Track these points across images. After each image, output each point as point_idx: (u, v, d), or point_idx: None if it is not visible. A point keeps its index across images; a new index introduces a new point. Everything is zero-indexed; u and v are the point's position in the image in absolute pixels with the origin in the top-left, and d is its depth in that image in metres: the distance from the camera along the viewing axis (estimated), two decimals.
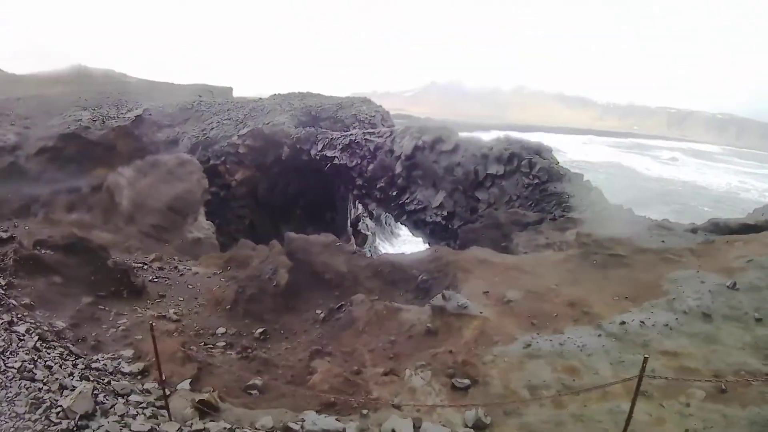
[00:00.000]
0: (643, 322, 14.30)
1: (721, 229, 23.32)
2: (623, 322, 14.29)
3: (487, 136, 31.05)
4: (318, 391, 12.58)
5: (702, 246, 20.26)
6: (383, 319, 16.71)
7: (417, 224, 31.58)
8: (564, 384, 11.79)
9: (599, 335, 13.86)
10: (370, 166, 33.30)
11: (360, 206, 44.39)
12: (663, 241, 20.69)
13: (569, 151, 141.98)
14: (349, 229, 44.92)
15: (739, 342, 13.26)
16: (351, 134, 35.77)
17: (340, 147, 35.56)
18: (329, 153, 36.27)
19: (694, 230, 22.53)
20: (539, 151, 27.83)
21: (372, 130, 35.59)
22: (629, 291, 16.57)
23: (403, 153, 31.20)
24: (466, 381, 12.15)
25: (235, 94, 63.08)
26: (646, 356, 8.84)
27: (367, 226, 47.65)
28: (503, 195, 26.93)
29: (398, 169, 31.31)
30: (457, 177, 28.75)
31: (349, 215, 44.30)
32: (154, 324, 10.33)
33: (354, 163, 34.53)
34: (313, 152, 37.64)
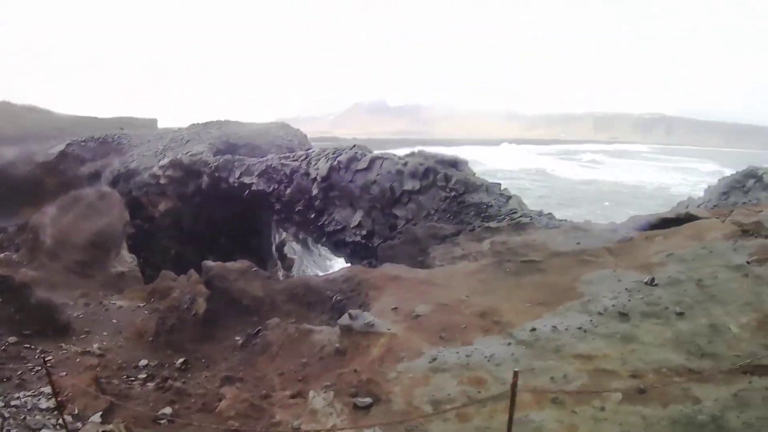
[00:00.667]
0: (555, 326, 13.84)
1: (641, 225, 23.38)
2: (534, 329, 13.83)
3: (406, 153, 30.99)
4: (224, 418, 12.71)
5: (620, 244, 20.13)
6: (295, 342, 16.62)
7: (337, 245, 31.12)
8: (469, 396, 11.23)
9: (509, 344, 13.36)
10: (288, 190, 32.79)
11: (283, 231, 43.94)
12: (578, 243, 20.37)
13: (495, 162, 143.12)
14: (275, 254, 44.30)
15: (659, 339, 12.95)
16: (267, 159, 35.25)
17: (257, 173, 35.00)
18: (247, 180, 35.69)
19: (613, 229, 22.43)
20: (455, 163, 27.64)
21: (288, 155, 35.14)
22: (543, 296, 16.21)
23: (318, 175, 30.76)
24: (368, 400, 11.71)
25: (162, 125, 62.60)
26: (517, 370, 8.68)
27: (293, 249, 47.15)
28: (421, 210, 26.61)
29: (315, 191, 30.84)
30: (373, 195, 28.36)
31: (273, 240, 43.71)
32: (63, 360, 10.56)
33: (271, 188, 33.99)
34: (231, 180, 37.03)
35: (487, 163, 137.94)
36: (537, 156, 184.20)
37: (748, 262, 16.31)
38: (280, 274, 41.14)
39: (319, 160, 31.29)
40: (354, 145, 31.49)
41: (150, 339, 18.92)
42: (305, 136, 43.27)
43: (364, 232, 28.69)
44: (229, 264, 23.05)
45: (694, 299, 14.65)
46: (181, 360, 17.38)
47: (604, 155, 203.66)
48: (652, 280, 15.86)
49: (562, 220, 25.79)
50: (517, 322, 14.57)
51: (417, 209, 26.82)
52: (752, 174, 27.84)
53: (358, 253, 29.32)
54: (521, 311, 15.37)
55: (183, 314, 19.89)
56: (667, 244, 19.13)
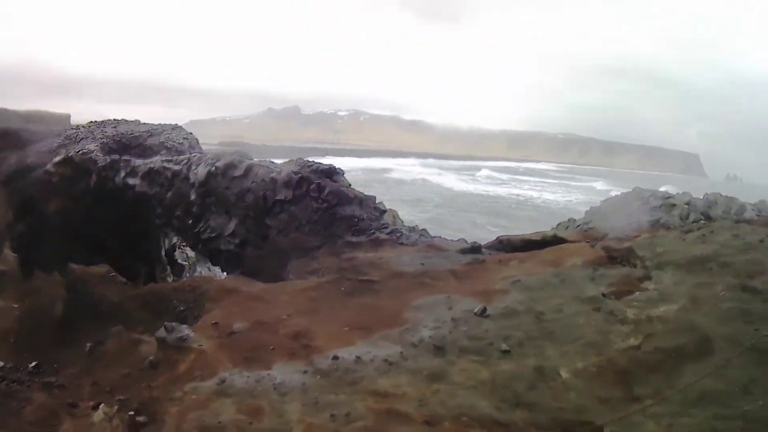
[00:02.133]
0: (360, 357, 12.78)
1: (504, 246, 22.80)
2: (336, 357, 12.78)
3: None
4: (23, 422, 12.42)
5: (468, 267, 19.28)
6: (125, 352, 16.01)
7: (213, 253, 30.27)
8: (239, 426, 10.45)
9: (305, 372, 12.42)
10: (168, 194, 31.83)
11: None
12: (422, 264, 19.55)
13: (403, 176, 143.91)
14: (164, 259, 43.15)
15: (471, 380, 11.81)
16: (151, 162, 34.16)
17: (141, 175, 33.93)
18: (131, 181, 34.51)
19: (474, 249, 21.87)
20: (330, 174, 26.98)
21: (171, 158, 34.19)
22: (365, 321, 15.22)
23: (197, 180, 29.89)
24: (143, 418, 11.24)
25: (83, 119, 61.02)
26: None
27: (186, 255, 46.06)
28: (293, 220, 25.87)
29: (193, 196, 29.95)
30: (248, 203, 27.57)
31: (162, 244, 42.57)
32: None
33: (153, 191, 32.98)
34: (117, 180, 35.86)
35: (402, 176, 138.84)
36: (438, 170, 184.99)
37: (603, 295, 15.48)
38: (170, 280, 40.23)
39: (199, 164, 30.43)
40: (234, 151, 30.91)
41: (12, 340, 18.87)
42: (196, 139, 42.21)
43: (237, 241, 27.89)
44: (91, 268, 23.19)
45: (527, 335, 13.68)
46: (33, 364, 16.59)
47: (506, 172, 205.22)
48: (483, 310, 14.82)
49: (435, 236, 25.25)
50: (326, 347, 13.67)
51: (289, 219, 26.09)
52: (638, 196, 27.00)
53: (232, 262, 28.52)
54: (336, 336, 14.46)
55: (42, 317, 19.96)
56: (520, 269, 18.35)
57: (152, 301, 21.41)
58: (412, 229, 25.43)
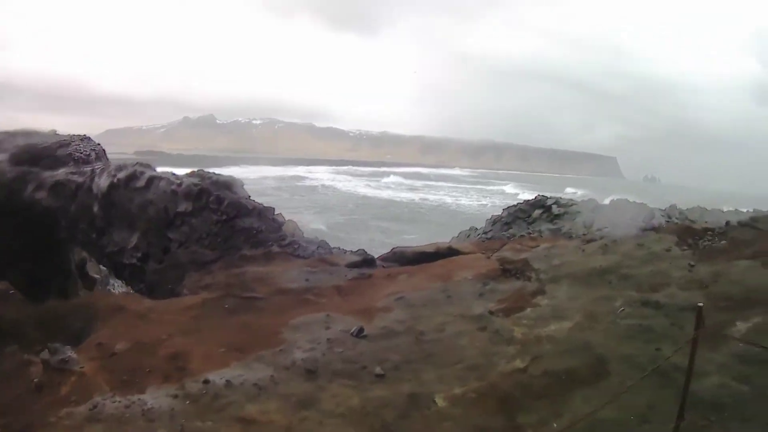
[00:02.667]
0: (230, 381, 12.33)
1: (398, 258, 22.95)
2: (207, 381, 12.34)
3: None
4: None
5: (354, 282, 19.04)
6: (19, 373, 15.20)
7: (117, 267, 29.98)
8: None
9: (176, 396, 11.96)
10: (72, 207, 31.52)
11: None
12: (307, 280, 19.32)
13: (314, 183, 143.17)
14: (75, 273, 42.61)
15: (341, 407, 11.24)
16: (57, 174, 33.80)
17: (47, 187, 33.52)
18: (38, 195, 34.07)
19: (366, 262, 22.05)
20: (229, 185, 27.02)
21: (76, 170, 33.82)
22: (244, 341, 14.72)
23: (99, 192, 29.65)
24: None
25: None
26: None
27: (100, 268, 45.48)
28: (194, 233, 25.82)
29: (96, 209, 29.71)
30: (150, 215, 27.43)
31: (72, 258, 42.03)
32: None
33: (58, 204, 32.62)
34: (25, 193, 35.34)
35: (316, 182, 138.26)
36: (349, 176, 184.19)
37: (491, 312, 14.97)
38: (82, 294, 39.66)
39: (101, 176, 30.16)
40: (136, 162, 30.58)
41: None
42: (104, 150, 41.70)
43: (140, 255, 27.73)
44: None
45: (404, 358, 13.16)
46: None
47: (418, 178, 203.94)
48: (360, 330, 14.37)
49: (334, 248, 25.27)
50: (200, 369, 13.23)
51: (190, 232, 26.01)
52: (540, 204, 26.98)
53: (136, 276, 28.31)
54: (212, 357, 13.97)
55: None
56: (407, 284, 17.91)
57: (48, 320, 20.44)
58: (311, 241, 25.49)
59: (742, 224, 19.53)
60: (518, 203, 28.62)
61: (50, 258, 41.75)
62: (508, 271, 18.10)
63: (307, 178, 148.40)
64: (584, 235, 22.80)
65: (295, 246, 24.09)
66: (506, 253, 20.18)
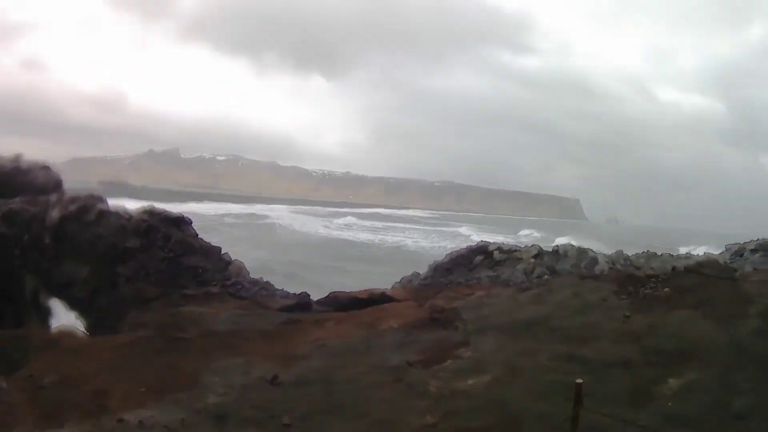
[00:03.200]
0: (142, 421, 12.18)
1: (333, 302, 23.05)
2: (122, 420, 12.31)
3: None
4: None
5: (281, 327, 18.99)
6: None
7: (67, 299, 30.07)
8: None
9: None
10: (26, 236, 31.61)
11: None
12: (236, 323, 19.41)
13: (276, 221, 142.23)
14: (29, 302, 42.48)
15: None
16: (12, 202, 33.91)
17: (1, 215, 33.61)
18: None
19: (301, 305, 22.25)
20: (178, 223, 27.37)
21: (32, 199, 33.91)
22: (166, 382, 14.67)
23: (52, 223, 29.85)
24: None
25: None
26: None
27: (51, 299, 45.22)
28: (141, 269, 26.13)
29: (48, 239, 29.89)
30: (100, 250, 27.72)
31: (26, 287, 41.95)
32: None
33: (12, 233, 32.66)
34: None
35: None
36: (311, 216, 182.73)
37: (409, 363, 14.64)
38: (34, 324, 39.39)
39: (54, 208, 30.32)
40: (89, 194, 30.77)
41: None
42: (61, 181, 41.93)
43: (89, 288, 27.90)
44: None
45: (314, 408, 12.97)
46: None
47: (376, 219, 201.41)
48: (275, 377, 14.28)
49: (279, 289, 25.52)
50: (119, 408, 13.27)
51: (138, 268, 26.25)
52: (482, 249, 26.73)
53: (84, 309, 28.37)
54: (133, 396, 13.95)
55: None
56: (333, 331, 17.80)
57: None
58: (255, 282, 25.74)
59: (688, 270, 19.22)
60: (460, 248, 28.47)
61: (6, 286, 41.55)
62: (436, 320, 17.70)
63: (267, 216, 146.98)
64: (522, 282, 22.57)
65: (239, 287, 24.41)
66: (439, 301, 19.86)
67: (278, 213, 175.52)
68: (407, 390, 13.35)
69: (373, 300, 21.89)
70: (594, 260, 24.46)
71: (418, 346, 15.82)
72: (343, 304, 22.45)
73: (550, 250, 26.19)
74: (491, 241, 29.22)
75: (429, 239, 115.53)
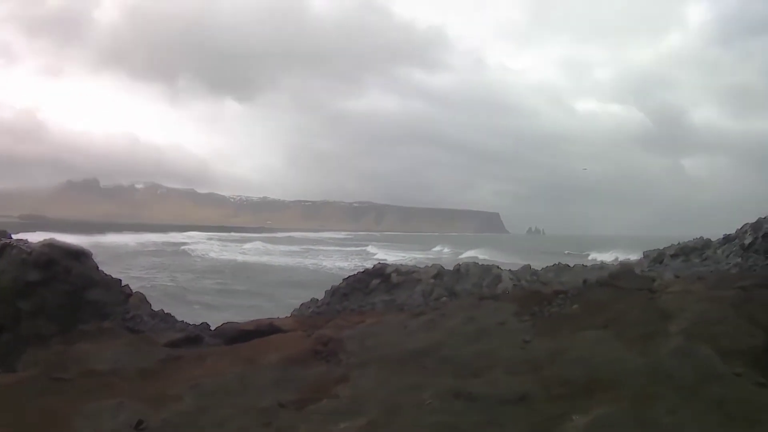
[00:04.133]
0: None
1: (223, 334, 22.29)
2: None
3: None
4: None
5: (161, 364, 17.79)
6: None
7: None
8: None
9: None
10: None
11: None
12: (117, 360, 18.68)
13: (192, 248, 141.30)
14: None
15: None
16: None
17: None
18: None
19: (190, 339, 21.44)
20: (78, 255, 27.09)
21: None
22: (36, 428, 13.72)
23: None
24: None
25: None
26: None
27: None
28: (44, 304, 25.86)
29: None
30: (3, 285, 27.43)
31: None
32: None
33: None
34: None
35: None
36: (227, 242, 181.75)
37: (281, 405, 13.10)
38: None
39: None
40: None
41: None
42: None
43: None
44: None
45: None
46: None
47: (286, 243, 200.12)
48: (140, 423, 13.01)
49: (179, 321, 24.94)
50: None
51: (41, 303, 25.96)
52: (379, 272, 25.31)
53: None
54: None
55: None
56: (211, 368, 16.46)
57: None
58: (155, 314, 25.31)
59: (600, 283, 17.65)
60: (359, 272, 26.65)
61: None
62: (319, 353, 16.26)
63: (184, 243, 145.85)
64: (417, 307, 21.37)
65: (138, 320, 24.05)
66: (328, 330, 18.28)
67: (195, 239, 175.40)
68: None
69: (261, 331, 20.63)
70: (497, 278, 23.32)
71: (295, 384, 14.34)
72: (231, 336, 21.62)
73: (452, 269, 25.03)
74: (403, 256, 29.08)
75: (348, 260, 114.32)
